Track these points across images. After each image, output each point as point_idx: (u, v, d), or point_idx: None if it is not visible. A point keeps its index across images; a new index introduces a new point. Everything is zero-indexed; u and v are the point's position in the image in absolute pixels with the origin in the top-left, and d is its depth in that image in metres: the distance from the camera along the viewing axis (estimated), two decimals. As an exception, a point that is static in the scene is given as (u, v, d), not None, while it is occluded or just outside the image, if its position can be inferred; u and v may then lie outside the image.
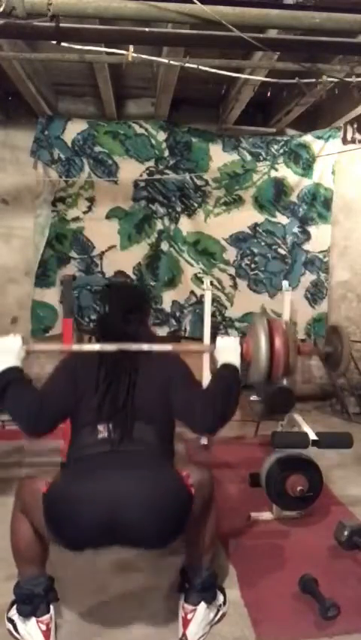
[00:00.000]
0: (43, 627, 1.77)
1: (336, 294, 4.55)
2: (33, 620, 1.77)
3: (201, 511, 1.75)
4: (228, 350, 1.85)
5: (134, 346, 1.83)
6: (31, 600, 1.77)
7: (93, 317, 4.05)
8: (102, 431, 1.75)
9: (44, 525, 1.64)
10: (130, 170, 3.99)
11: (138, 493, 1.59)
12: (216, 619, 1.90)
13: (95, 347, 1.87)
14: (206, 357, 3.57)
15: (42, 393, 1.81)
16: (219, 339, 1.89)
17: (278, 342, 1.87)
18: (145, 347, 1.84)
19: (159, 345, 1.91)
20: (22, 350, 1.83)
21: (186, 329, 4.23)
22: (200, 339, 3.79)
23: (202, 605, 1.83)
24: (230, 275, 4.23)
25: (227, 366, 1.83)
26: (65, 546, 1.65)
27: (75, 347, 2.09)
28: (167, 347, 1.93)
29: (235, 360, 1.83)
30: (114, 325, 1.92)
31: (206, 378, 3.55)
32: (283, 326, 1.93)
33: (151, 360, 1.86)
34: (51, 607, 1.81)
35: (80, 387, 1.80)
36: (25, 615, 1.78)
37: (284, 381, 3.43)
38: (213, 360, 1.89)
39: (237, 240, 4.20)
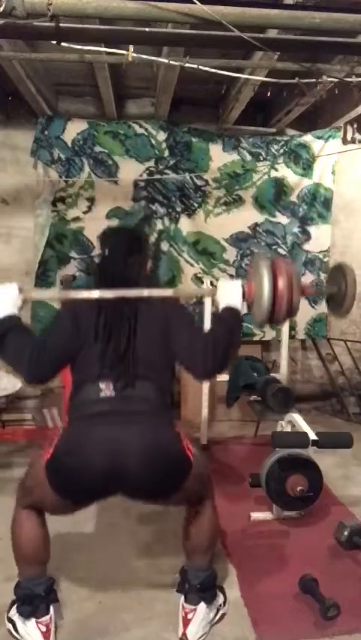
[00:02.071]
0: (43, 628, 1.77)
1: (336, 294, 4.55)
2: (33, 620, 1.77)
3: (197, 490, 1.74)
4: (229, 292, 1.78)
5: (133, 292, 1.76)
6: (32, 601, 1.77)
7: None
8: (104, 389, 1.71)
9: (49, 490, 1.63)
10: (130, 170, 3.99)
11: (139, 443, 1.60)
12: (216, 619, 1.90)
13: (94, 294, 1.78)
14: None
15: (43, 339, 1.77)
16: (221, 281, 1.83)
17: (281, 283, 1.76)
18: (145, 292, 1.78)
19: (158, 290, 1.86)
20: (19, 298, 1.76)
21: (186, 329, 4.22)
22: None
23: (202, 605, 1.83)
24: (230, 275, 4.22)
25: (229, 309, 1.76)
26: (71, 499, 1.66)
27: (73, 294, 1.99)
28: (167, 292, 1.87)
29: (237, 302, 1.77)
30: (114, 269, 1.85)
31: (207, 386, 3.56)
32: (287, 266, 1.82)
33: (151, 306, 1.79)
34: (51, 608, 1.81)
35: (80, 334, 1.75)
36: (25, 616, 1.78)
37: (283, 381, 3.43)
38: (215, 303, 1.82)
39: (237, 239, 4.20)
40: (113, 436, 1.60)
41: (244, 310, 1.79)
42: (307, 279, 4.31)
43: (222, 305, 1.78)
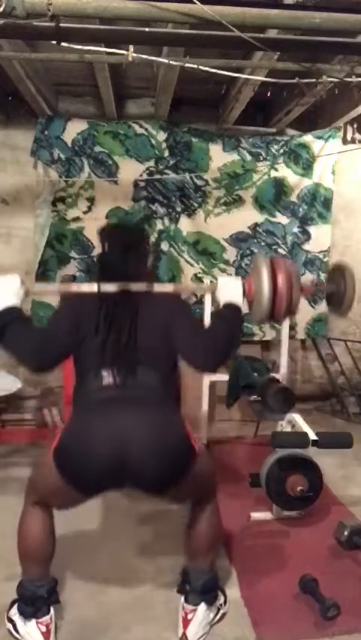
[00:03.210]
0: (43, 628, 1.77)
1: (336, 294, 4.55)
2: (33, 621, 1.77)
3: (202, 485, 1.74)
4: (230, 289, 1.80)
5: (134, 286, 1.78)
6: (34, 602, 1.78)
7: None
8: (107, 376, 1.71)
9: (57, 479, 1.63)
10: (130, 170, 3.99)
11: (145, 432, 1.60)
12: (217, 619, 1.90)
13: (96, 287, 1.81)
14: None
15: (45, 330, 1.79)
16: (220, 278, 1.85)
17: (281, 281, 1.79)
18: (145, 287, 1.79)
19: (159, 285, 1.87)
20: (21, 290, 1.79)
21: (186, 329, 4.22)
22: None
23: (202, 605, 1.83)
24: (230, 275, 4.22)
25: (229, 306, 1.78)
26: (78, 487, 1.65)
27: (75, 288, 2.01)
28: (167, 287, 1.89)
29: (237, 299, 1.79)
30: (114, 265, 1.86)
31: (207, 386, 3.56)
32: (287, 264, 1.85)
33: (152, 300, 1.80)
34: (51, 608, 1.81)
35: (82, 327, 1.76)
36: (26, 616, 1.78)
37: (283, 381, 3.43)
38: (215, 300, 1.84)
39: (237, 240, 4.20)
40: (118, 425, 1.60)
41: (244, 308, 1.80)
42: (308, 279, 4.31)
43: (222, 302, 1.79)
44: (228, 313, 1.77)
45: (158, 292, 1.84)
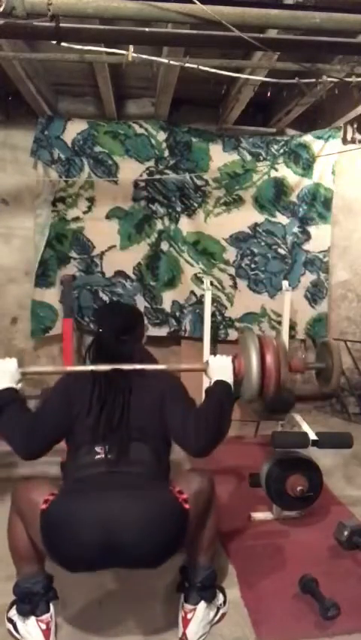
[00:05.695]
0: (43, 626, 1.77)
1: (336, 294, 4.55)
2: (33, 619, 1.77)
3: (199, 518, 1.75)
4: (220, 369, 1.88)
5: (127, 366, 1.85)
6: (31, 599, 1.78)
7: (93, 317, 4.05)
8: (100, 452, 1.76)
9: (41, 542, 1.65)
10: (130, 170, 3.99)
11: (133, 515, 1.59)
12: (216, 619, 1.90)
13: (89, 368, 1.89)
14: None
15: (36, 415, 1.84)
16: (211, 357, 1.93)
17: (269, 360, 1.92)
18: (139, 367, 1.87)
19: (152, 365, 1.95)
20: (18, 372, 1.85)
21: (186, 329, 4.22)
22: (200, 339, 3.79)
23: (202, 604, 1.83)
24: (230, 275, 4.22)
25: (220, 384, 1.86)
26: (61, 565, 1.65)
27: (69, 368, 2.12)
28: (160, 367, 1.96)
29: (228, 378, 1.87)
30: (108, 346, 1.93)
31: (205, 387, 3.56)
32: (274, 342, 1.98)
33: (145, 379, 1.87)
34: (51, 606, 1.81)
35: (74, 408, 1.82)
36: (24, 614, 1.78)
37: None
38: (207, 377, 1.94)
39: (237, 240, 4.20)
40: (107, 509, 1.59)
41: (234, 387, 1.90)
42: (308, 279, 4.32)
43: (213, 380, 1.87)
44: (219, 391, 1.84)
45: (150, 371, 1.90)
